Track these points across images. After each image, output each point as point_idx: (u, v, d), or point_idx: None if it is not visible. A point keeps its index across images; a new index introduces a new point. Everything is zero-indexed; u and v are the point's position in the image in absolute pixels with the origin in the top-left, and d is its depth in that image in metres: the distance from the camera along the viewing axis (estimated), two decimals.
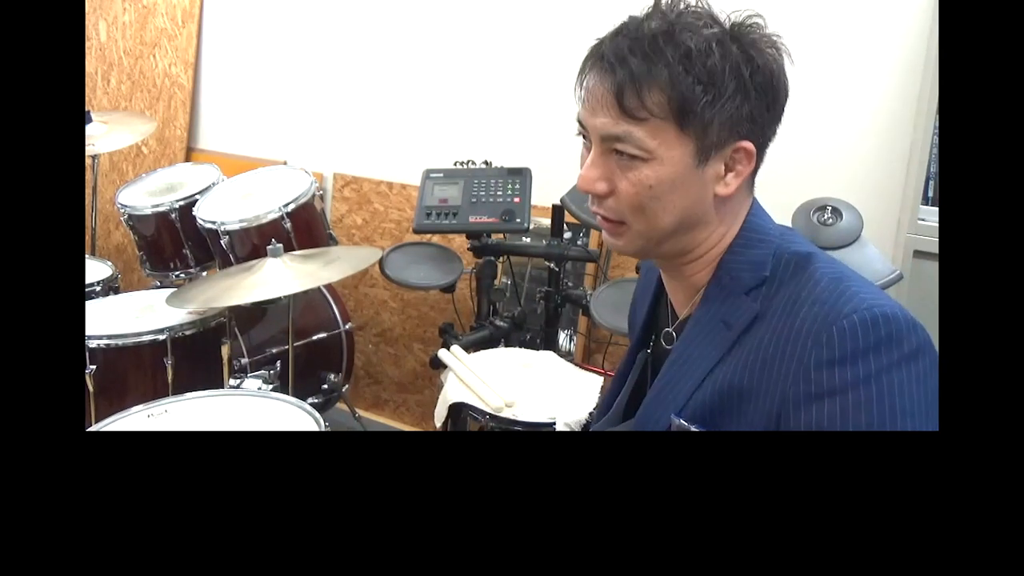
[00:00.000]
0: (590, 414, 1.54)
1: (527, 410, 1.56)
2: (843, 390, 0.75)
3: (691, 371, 0.87)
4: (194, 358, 1.98)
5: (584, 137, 0.87)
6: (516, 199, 2.06)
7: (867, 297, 0.78)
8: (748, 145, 0.83)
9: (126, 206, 2.40)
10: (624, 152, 0.81)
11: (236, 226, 2.18)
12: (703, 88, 0.78)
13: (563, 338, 2.33)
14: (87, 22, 3.27)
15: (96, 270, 2.36)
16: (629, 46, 0.79)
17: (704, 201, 0.84)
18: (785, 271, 0.84)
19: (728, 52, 0.79)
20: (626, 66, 0.78)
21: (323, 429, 1.44)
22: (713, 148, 0.81)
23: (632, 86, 0.78)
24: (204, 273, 2.41)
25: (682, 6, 0.82)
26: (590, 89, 0.82)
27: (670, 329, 0.96)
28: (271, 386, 1.69)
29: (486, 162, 2.19)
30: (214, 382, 1.98)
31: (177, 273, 2.43)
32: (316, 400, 2.26)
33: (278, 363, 2.05)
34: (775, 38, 0.84)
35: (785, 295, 0.82)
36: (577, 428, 1.52)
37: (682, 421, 0.85)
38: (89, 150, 2.59)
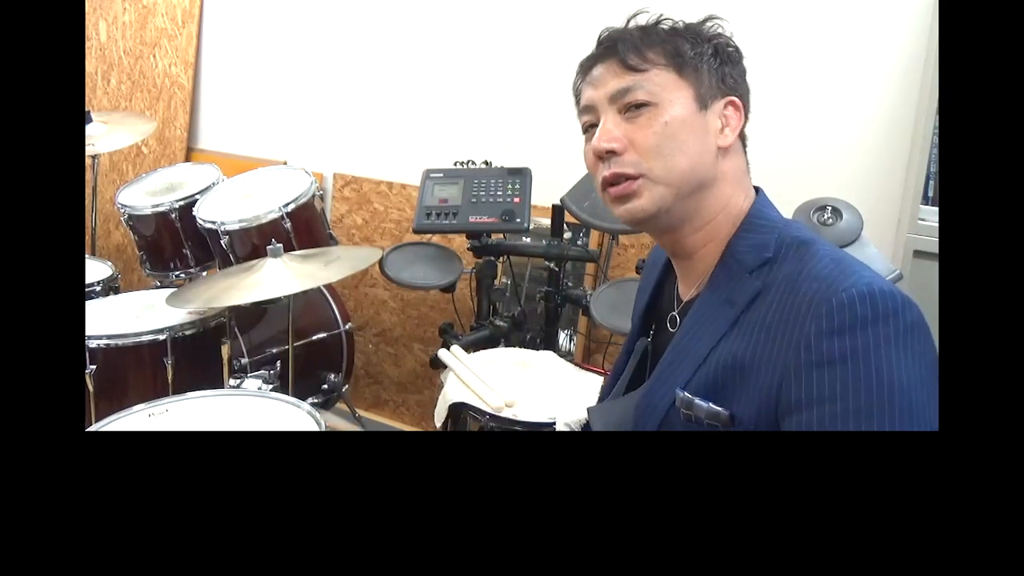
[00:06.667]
0: (588, 409, 1.54)
1: (527, 410, 1.56)
2: (842, 359, 0.77)
3: (696, 348, 0.90)
4: (194, 358, 1.98)
5: (588, 129, 0.95)
6: (516, 199, 2.06)
7: (865, 275, 0.81)
8: (736, 100, 0.94)
9: (126, 206, 2.40)
10: (633, 102, 0.90)
11: (236, 226, 2.18)
12: (691, 45, 0.92)
13: (563, 338, 2.33)
14: (87, 22, 3.27)
15: (96, 270, 2.36)
16: (625, 28, 0.95)
17: (709, 150, 0.91)
18: (787, 252, 0.88)
19: (702, 28, 0.96)
20: (626, 38, 0.92)
21: (323, 429, 1.44)
22: (708, 97, 0.92)
23: (633, 48, 0.91)
24: (204, 273, 2.41)
25: (656, 14, 0.97)
26: (595, 70, 0.93)
27: (675, 313, 0.99)
28: (271, 386, 1.68)
29: (486, 162, 2.19)
30: (214, 382, 1.98)
31: (177, 273, 2.43)
32: (316, 400, 2.26)
33: (278, 363, 2.05)
34: (730, 34, 0.97)
35: (786, 272, 0.86)
36: (577, 428, 1.52)
37: (686, 394, 0.88)
38: (89, 150, 2.59)
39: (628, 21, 0.96)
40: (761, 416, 0.82)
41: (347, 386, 2.42)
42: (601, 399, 1.16)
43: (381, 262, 2.09)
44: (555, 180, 2.10)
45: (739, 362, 0.85)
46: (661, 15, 0.96)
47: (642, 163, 0.89)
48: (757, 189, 0.97)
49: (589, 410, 1.12)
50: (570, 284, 2.19)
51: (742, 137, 0.96)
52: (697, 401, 0.87)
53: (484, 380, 1.63)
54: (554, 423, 1.52)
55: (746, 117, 0.96)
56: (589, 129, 0.95)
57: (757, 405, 0.82)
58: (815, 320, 0.79)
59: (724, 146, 0.92)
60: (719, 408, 0.86)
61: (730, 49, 0.95)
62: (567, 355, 2.11)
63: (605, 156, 0.91)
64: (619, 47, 0.91)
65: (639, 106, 0.90)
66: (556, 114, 2.41)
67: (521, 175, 2.11)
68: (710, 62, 0.92)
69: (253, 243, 2.18)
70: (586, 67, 0.95)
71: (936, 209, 1.75)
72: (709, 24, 0.96)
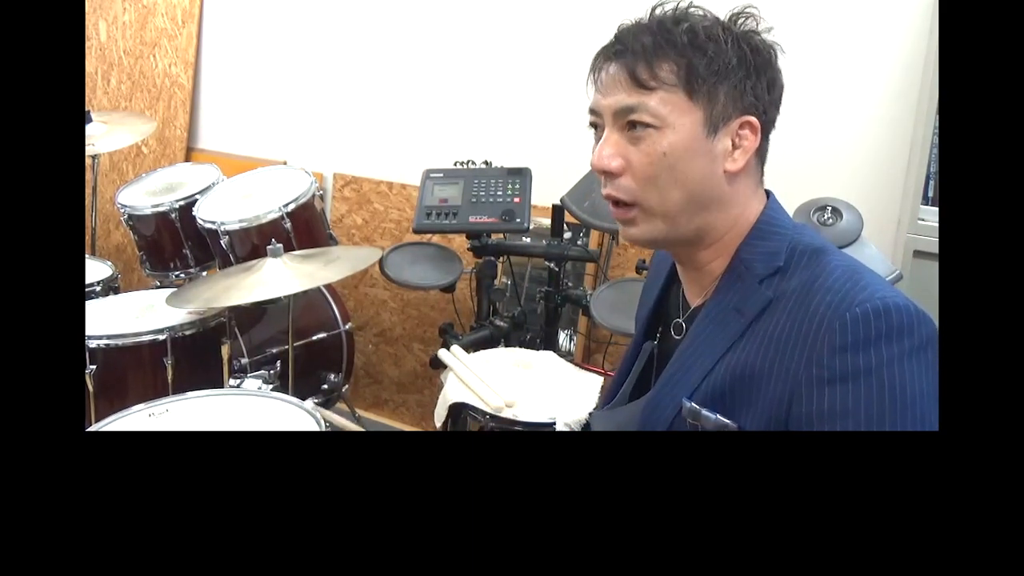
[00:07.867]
0: (590, 414, 1.53)
1: (527, 410, 1.56)
2: (854, 376, 0.76)
3: (703, 356, 0.88)
4: (194, 358, 1.98)
5: (595, 127, 0.91)
6: (516, 199, 2.06)
7: (879, 288, 0.80)
8: (753, 120, 0.87)
9: (126, 206, 2.40)
10: (637, 123, 0.85)
11: (236, 226, 2.18)
12: (708, 60, 0.84)
13: (563, 338, 2.33)
14: (87, 22, 3.27)
15: (96, 270, 2.36)
16: (640, 30, 0.87)
17: (715, 176, 0.87)
18: (799, 261, 0.86)
19: (730, 32, 0.86)
20: (638, 44, 0.85)
21: (323, 429, 1.44)
22: (720, 120, 0.85)
23: (644, 60, 0.84)
24: (204, 273, 2.41)
25: (685, 4, 0.89)
26: (605, 74, 0.88)
27: (680, 320, 0.97)
28: (271, 386, 1.68)
29: (486, 162, 2.19)
30: (214, 382, 1.98)
31: (177, 273, 2.43)
32: (316, 400, 2.25)
33: (278, 363, 2.05)
34: (768, 28, 0.90)
35: (798, 283, 0.84)
36: (577, 428, 1.52)
37: (693, 404, 0.87)
38: (89, 150, 2.59)
39: (652, 10, 0.88)
40: (770, 429, 0.81)
41: (347, 386, 2.42)
42: (605, 402, 1.15)
43: (381, 262, 2.09)
44: (555, 180, 2.10)
45: (748, 373, 0.83)
46: (691, 3, 0.88)
47: (637, 191, 0.87)
48: (768, 192, 0.94)
49: (592, 416, 1.11)
50: (570, 284, 2.19)
51: (760, 153, 0.90)
52: (704, 412, 0.86)
53: (484, 380, 1.63)
54: (554, 423, 1.52)
55: (771, 128, 0.90)
56: (594, 128, 0.91)
57: (766, 418, 0.81)
58: (828, 334, 0.78)
59: (733, 171, 0.87)
60: (727, 420, 0.84)
61: (759, 57, 0.87)
62: (567, 355, 2.11)
63: (603, 174, 0.88)
64: (631, 54, 0.85)
65: (643, 126, 0.85)
66: (556, 114, 2.42)
67: (521, 175, 2.11)
68: (731, 77, 0.84)
69: (253, 243, 2.18)
70: (598, 64, 0.89)
71: (936, 209, 1.75)
72: (741, 21, 0.87)
